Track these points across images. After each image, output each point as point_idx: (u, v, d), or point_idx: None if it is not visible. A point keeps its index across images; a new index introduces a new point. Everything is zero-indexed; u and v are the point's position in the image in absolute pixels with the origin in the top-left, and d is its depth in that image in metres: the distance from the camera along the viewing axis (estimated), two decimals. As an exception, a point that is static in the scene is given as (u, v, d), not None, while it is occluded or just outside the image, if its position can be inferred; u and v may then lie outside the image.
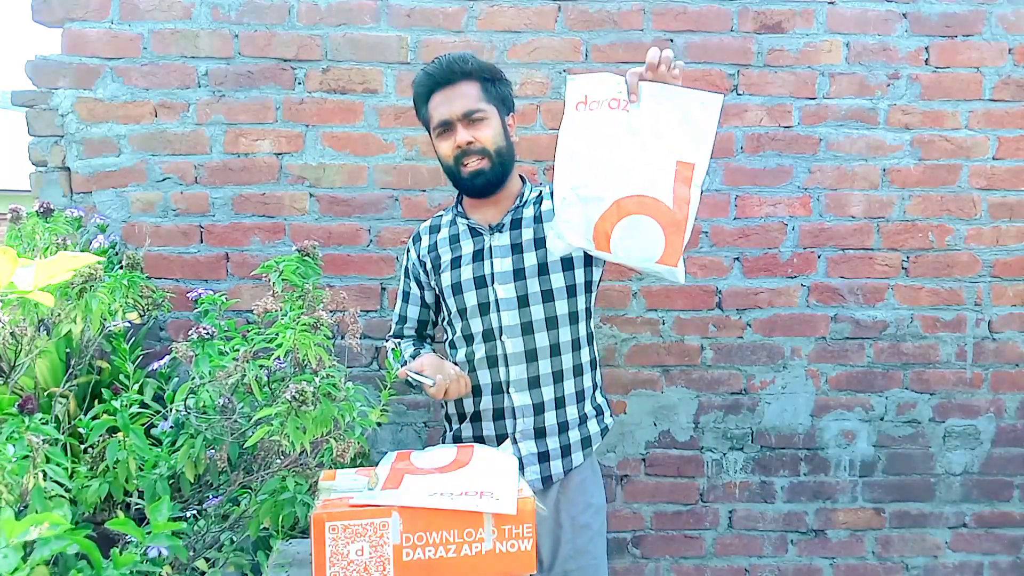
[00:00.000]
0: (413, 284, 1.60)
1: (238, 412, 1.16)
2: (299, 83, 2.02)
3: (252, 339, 1.14)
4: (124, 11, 1.97)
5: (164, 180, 2.02)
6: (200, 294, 1.33)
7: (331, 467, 1.18)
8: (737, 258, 2.10)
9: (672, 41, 2.05)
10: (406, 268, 1.62)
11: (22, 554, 0.71)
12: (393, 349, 1.33)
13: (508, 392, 1.45)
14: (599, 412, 1.55)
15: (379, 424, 1.25)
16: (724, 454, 2.12)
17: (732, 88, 2.07)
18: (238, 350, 1.14)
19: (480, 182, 1.44)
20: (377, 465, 1.17)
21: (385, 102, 2.03)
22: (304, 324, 1.11)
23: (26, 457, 0.88)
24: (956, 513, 2.15)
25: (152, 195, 2.01)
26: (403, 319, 1.62)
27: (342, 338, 1.25)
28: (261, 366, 1.15)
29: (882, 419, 2.12)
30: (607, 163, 1.22)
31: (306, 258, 1.23)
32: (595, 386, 1.55)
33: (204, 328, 1.15)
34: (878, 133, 2.08)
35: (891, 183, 2.09)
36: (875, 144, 2.08)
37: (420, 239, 1.60)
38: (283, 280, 1.18)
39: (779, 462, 2.13)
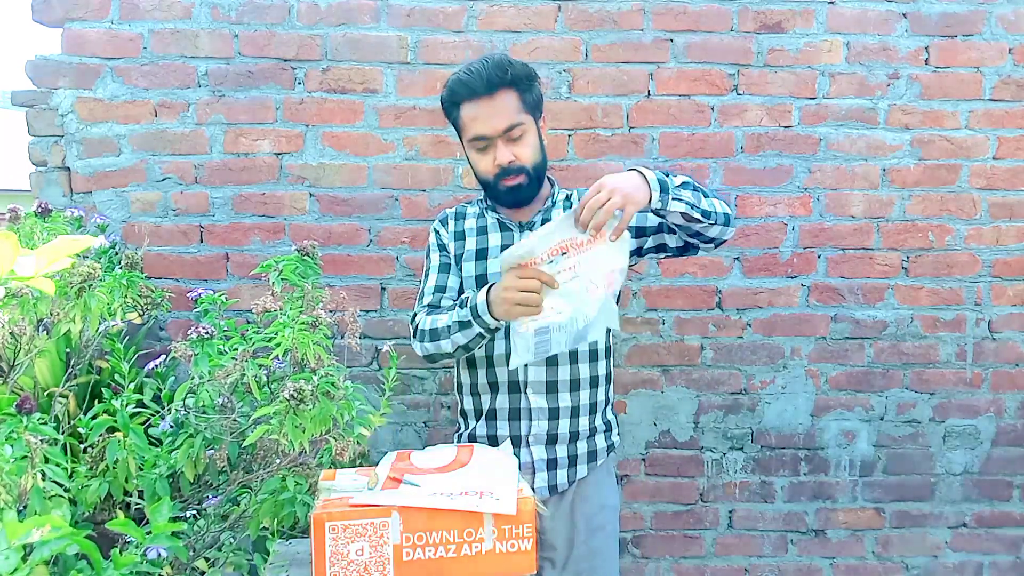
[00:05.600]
0: (449, 255, 1.51)
1: (237, 411, 1.16)
2: (299, 83, 2.02)
3: (251, 338, 1.14)
4: (124, 11, 1.97)
5: (164, 180, 2.02)
6: (200, 294, 1.33)
7: (331, 467, 1.18)
8: (737, 258, 2.10)
9: (672, 41, 2.05)
10: (439, 244, 1.52)
11: (22, 554, 0.71)
12: (391, 354, 1.32)
13: (526, 392, 1.44)
14: (608, 428, 1.53)
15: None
16: (724, 454, 2.12)
17: (732, 88, 2.07)
18: (237, 349, 1.14)
19: (517, 197, 1.42)
20: (377, 465, 1.17)
21: (385, 102, 2.03)
22: (303, 323, 1.11)
23: (25, 457, 0.88)
24: (956, 513, 2.15)
25: (152, 195, 2.01)
26: (442, 288, 1.47)
27: (342, 338, 1.25)
28: (260, 365, 1.15)
29: (882, 419, 2.12)
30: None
31: (305, 258, 1.23)
32: (607, 400, 1.53)
33: (203, 328, 1.15)
34: (878, 133, 2.08)
35: (891, 183, 2.09)
36: (875, 144, 2.08)
37: (447, 222, 1.54)
38: (282, 280, 1.18)
39: (779, 462, 2.13)
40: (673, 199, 1.25)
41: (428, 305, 1.45)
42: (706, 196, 1.32)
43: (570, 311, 1.25)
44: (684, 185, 1.29)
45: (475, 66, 1.35)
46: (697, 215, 1.28)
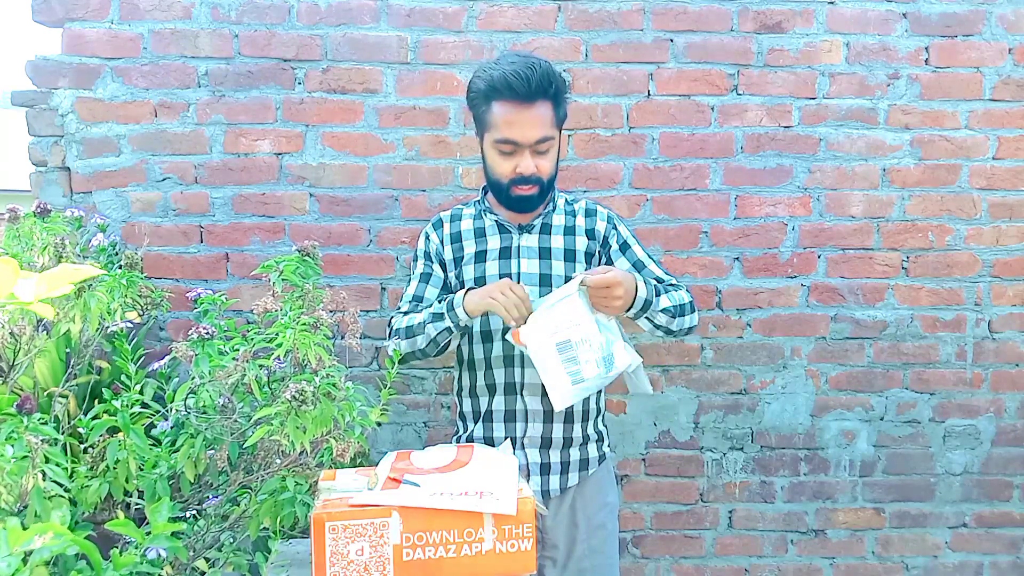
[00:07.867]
0: (436, 266, 1.52)
1: (238, 412, 1.16)
2: (299, 83, 2.02)
3: (252, 339, 1.14)
4: (124, 11, 1.97)
5: (164, 180, 2.02)
6: (200, 294, 1.33)
7: (331, 467, 1.18)
8: (737, 258, 2.10)
9: (672, 41, 2.05)
10: (426, 251, 1.53)
11: (23, 556, 0.71)
12: (394, 350, 1.32)
13: (521, 395, 1.45)
14: (600, 438, 1.54)
15: (379, 424, 1.25)
16: (724, 454, 2.12)
17: (732, 88, 2.07)
18: (238, 350, 1.14)
19: (525, 205, 1.44)
20: (377, 465, 1.17)
21: (385, 102, 2.03)
22: (304, 324, 1.11)
23: (25, 457, 0.88)
24: (956, 513, 2.15)
25: (152, 195, 2.01)
26: (419, 299, 1.50)
27: (342, 338, 1.25)
28: (261, 366, 1.14)
29: (882, 419, 2.12)
30: None
31: (306, 258, 1.23)
32: (599, 411, 1.54)
33: (204, 328, 1.15)
34: (878, 133, 2.08)
35: (891, 183, 2.09)
36: (875, 144, 2.08)
37: (442, 225, 1.54)
38: (283, 280, 1.18)
39: (779, 462, 2.13)
40: (646, 318, 1.41)
41: (404, 313, 1.49)
42: (681, 315, 1.44)
43: (590, 324, 1.31)
44: (665, 310, 1.41)
45: (523, 70, 1.31)
46: (660, 332, 1.47)
